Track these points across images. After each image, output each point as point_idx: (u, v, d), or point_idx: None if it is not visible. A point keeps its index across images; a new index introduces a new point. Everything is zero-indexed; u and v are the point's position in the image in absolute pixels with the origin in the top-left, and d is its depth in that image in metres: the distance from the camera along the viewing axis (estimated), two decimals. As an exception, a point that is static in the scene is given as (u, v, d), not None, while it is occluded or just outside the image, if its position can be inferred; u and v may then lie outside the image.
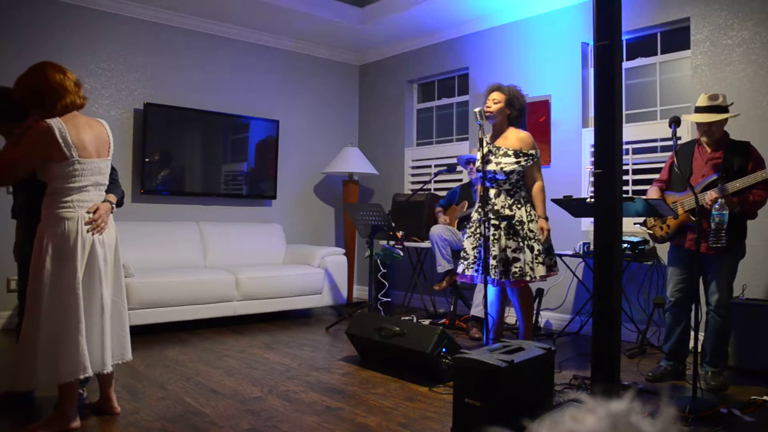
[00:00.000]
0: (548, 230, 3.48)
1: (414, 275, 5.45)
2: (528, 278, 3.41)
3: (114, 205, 2.64)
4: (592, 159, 3.83)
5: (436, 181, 5.81)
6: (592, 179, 4.53)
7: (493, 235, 3.41)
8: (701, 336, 3.34)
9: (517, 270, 3.39)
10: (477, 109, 3.30)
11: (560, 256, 4.20)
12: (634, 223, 3.86)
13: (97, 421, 2.58)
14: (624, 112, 4.43)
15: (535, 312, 4.43)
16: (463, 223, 4.77)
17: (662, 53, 4.44)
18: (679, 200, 3.21)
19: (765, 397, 2.95)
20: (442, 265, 4.59)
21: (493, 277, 3.39)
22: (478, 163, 3.53)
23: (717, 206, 2.85)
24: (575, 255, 4.31)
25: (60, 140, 2.38)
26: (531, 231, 3.44)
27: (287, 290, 5.01)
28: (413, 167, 6.26)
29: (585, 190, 4.65)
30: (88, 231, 2.46)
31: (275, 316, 5.13)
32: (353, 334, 3.68)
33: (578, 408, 0.59)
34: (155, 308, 4.30)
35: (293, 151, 6.21)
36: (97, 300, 2.48)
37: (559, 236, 4.32)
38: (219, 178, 5.66)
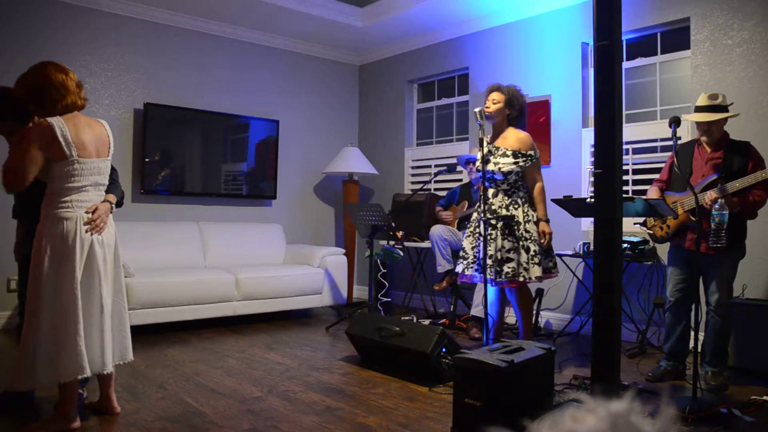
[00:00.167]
0: (550, 233, 3.47)
1: (414, 275, 5.45)
2: (521, 279, 3.39)
3: (113, 206, 2.64)
4: (592, 159, 3.83)
5: (436, 181, 5.81)
6: (592, 179, 4.53)
7: (490, 234, 3.41)
8: (701, 336, 3.34)
9: (509, 270, 3.39)
10: (477, 109, 3.30)
11: (560, 256, 4.20)
12: (634, 223, 3.85)
13: (97, 421, 2.58)
14: (624, 112, 4.43)
15: (535, 312, 4.44)
16: (463, 223, 4.77)
17: (662, 53, 4.44)
18: (679, 200, 3.21)
19: (765, 397, 2.95)
20: (442, 265, 4.59)
21: (489, 276, 3.39)
22: (478, 163, 3.53)
23: (717, 206, 2.85)
24: (575, 255, 4.31)
25: (60, 139, 2.38)
26: (527, 231, 3.44)
27: (287, 290, 5.01)
28: (413, 167, 6.26)
29: (585, 190, 4.65)
30: (87, 231, 2.46)
31: (275, 316, 5.13)
32: (353, 334, 3.68)
33: (578, 408, 0.59)
34: (155, 308, 4.30)
35: (293, 151, 6.21)
36: (97, 300, 2.48)
37: (559, 236, 4.32)
38: (219, 178, 5.66)
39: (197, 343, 4.12)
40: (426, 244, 5.10)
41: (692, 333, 3.15)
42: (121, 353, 2.64)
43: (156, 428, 2.50)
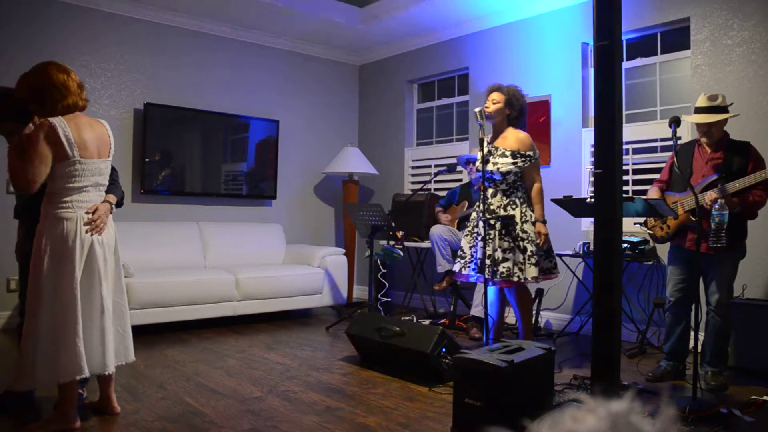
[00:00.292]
0: (546, 234, 3.45)
1: (414, 275, 5.45)
2: (515, 279, 3.38)
3: (113, 206, 2.64)
4: (592, 159, 3.83)
5: (436, 181, 5.80)
6: (592, 179, 4.53)
7: (488, 234, 3.41)
8: (701, 336, 3.34)
9: (504, 270, 3.38)
10: (477, 109, 3.30)
11: (560, 256, 4.20)
12: (634, 223, 3.86)
13: (97, 421, 2.58)
14: (624, 112, 4.43)
15: (535, 312, 4.43)
16: (463, 223, 4.77)
17: (662, 53, 4.44)
18: (680, 200, 3.21)
19: (765, 397, 2.95)
20: (442, 265, 4.58)
21: (487, 276, 3.39)
22: (478, 163, 3.53)
23: (717, 206, 2.85)
24: (575, 255, 4.31)
25: (63, 139, 2.38)
26: (524, 232, 3.43)
27: (287, 290, 5.01)
28: (413, 167, 6.26)
29: (585, 190, 4.65)
30: (87, 231, 2.46)
31: (275, 316, 5.13)
32: (353, 334, 3.68)
33: (578, 408, 0.59)
34: (155, 308, 4.30)
35: (293, 151, 6.21)
36: (97, 301, 2.48)
37: (559, 236, 4.32)
38: (219, 178, 5.66)
39: (197, 343, 4.12)
40: (426, 244, 5.10)
41: (692, 333, 3.15)
42: (123, 354, 2.64)
43: (156, 428, 2.50)
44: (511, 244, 3.41)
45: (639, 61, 4.56)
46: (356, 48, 6.47)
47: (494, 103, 3.54)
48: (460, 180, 5.62)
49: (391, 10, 5.43)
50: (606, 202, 2.07)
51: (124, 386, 3.06)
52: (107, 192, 2.62)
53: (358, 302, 5.93)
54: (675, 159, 2.99)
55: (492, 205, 3.49)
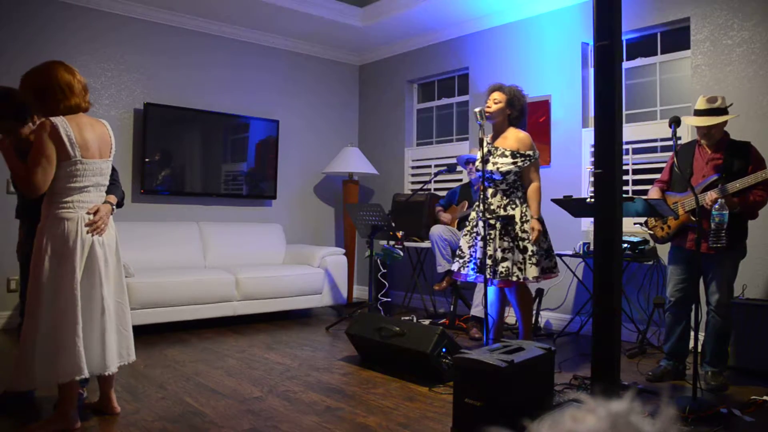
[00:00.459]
0: (539, 230, 3.41)
1: (414, 275, 5.45)
2: (515, 278, 3.38)
3: (114, 207, 2.64)
4: (592, 159, 3.83)
5: (436, 181, 5.80)
6: (592, 179, 4.53)
7: (489, 234, 3.41)
8: (701, 336, 3.34)
9: (503, 270, 3.38)
10: (477, 109, 3.30)
11: (560, 256, 4.20)
12: (635, 223, 3.86)
13: (97, 421, 2.58)
14: (624, 112, 4.43)
15: (535, 312, 4.43)
16: (463, 223, 4.77)
17: (662, 53, 4.44)
18: (680, 200, 3.21)
19: (765, 397, 2.95)
20: (442, 265, 4.59)
21: (487, 276, 3.39)
22: (477, 163, 3.53)
23: (717, 206, 2.85)
24: (575, 255, 4.31)
25: (65, 138, 2.38)
26: (524, 231, 3.43)
27: (287, 290, 5.01)
28: (413, 167, 6.26)
29: (585, 190, 4.65)
30: (88, 232, 2.46)
31: (275, 316, 5.13)
32: (353, 334, 3.68)
33: (578, 408, 0.59)
34: (155, 308, 4.30)
35: (293, 151, 6.21)
36: (98, 301, 2.47)
37: (559, 236, 4.32)
38: (219, 178, 5.66)
39: (197, 343, 4.12)
40: (426, 244, 5.10)
41: (692, 333, 3.15)
42: (125, 354, 2.64)
43: (156, 428, 2.50)
44: (511, 244, 3.41)
45: (639, 61, 4.56)
46: (356, 48, 6.47)
47: (496, 103, 3.53)
48: (460, 180, 5.62)
49: (391, 10, 5.43)
50: (606, 202, 2.07)
51: (124, 386, 3.06)
52: (108, 192, 2.62)
53: (358, 302, 5.92)
54: (675, 159, 2.99)
55: (492, 205, 3.48)
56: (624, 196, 2.39)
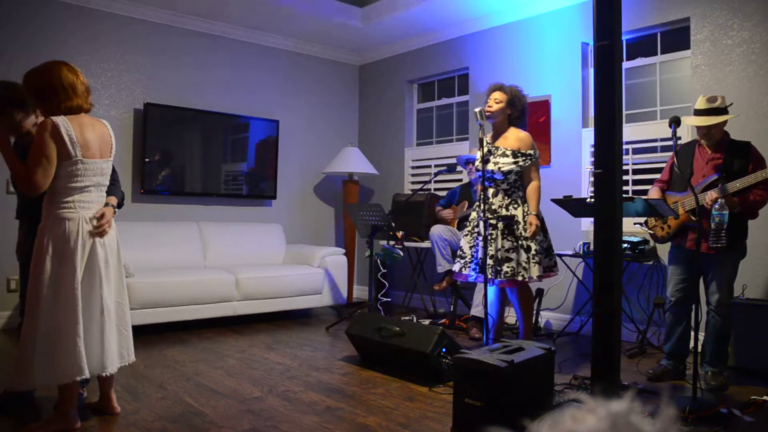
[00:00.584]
0: (537, 226, 3.41)
1: (414, 275, 5.45)
2: (520, 278, 3.39)
3: (116, 208, 2.65)
4: (592, 159, 3.83)
5: (436, 181, 5.80)
6: (592, 179, 4.53)
7: (491, 234, 3.41)
8: (701, 336, 3.34)
9: (508, 270, 3.38)
10: (477, 109, 3.30)
11: (560, 256, 4.20)
12: (635, 223, 3.85)
13: (97, 421, 2.58)
14: (624, 112, 4.43)
15: (535, 312, 4.43)
16: (463, 223, 4.77)
17: (662, 53, 4.44)
18: (680, 200, 3.21)
19: (765, 397, 2.95)
20: (442, 265, 4.58)
21: (489, 276, 3.39)
22: (477, 163, 3.53)
23: (717, 206, 2.85)
24: (575, 255, 4.31)
25: (66, 138, 2.38)
26: (526, 231, 3.44)
27: (287, 290, 5.01)
28: (413, 167, 6.26)
29: (585, 190, 4.65)
30: (92, 236, 2.46)
31: (275, 316, 5.13)
32: (353, 334, 3.68)
33: (578, 408, 0.59)
34: (155, 308, 4.30)
35: (293, 151, 6.21)
36: (98, 302, 2.47)
37: (559, 236, 4.32)
38: (219, 178, 5.66)
39: (197, 343, 4.12)
40: (426, 244, 5.10)
41: (692, 333, 3.15)
42: (124, 354, 2.64)
43: (156, 428, 2.50)
44: (515, 244, 3.42)
45: (639, 61, 4.56)
46: (356, 48, 6.47)
47: (497, 103, 3.54)
48: (460, 180, 5.62)
49: (391, 10, 5.43)
50: (606, 202, 2.06)
51: (124, 386, 3.06)
52: (108, 193, 2.63)
53: (358, 302, 5.92)
54: (675, 159, 2.99)
55: (494, 204, 3.49)
56: (624, 196, 2.39)
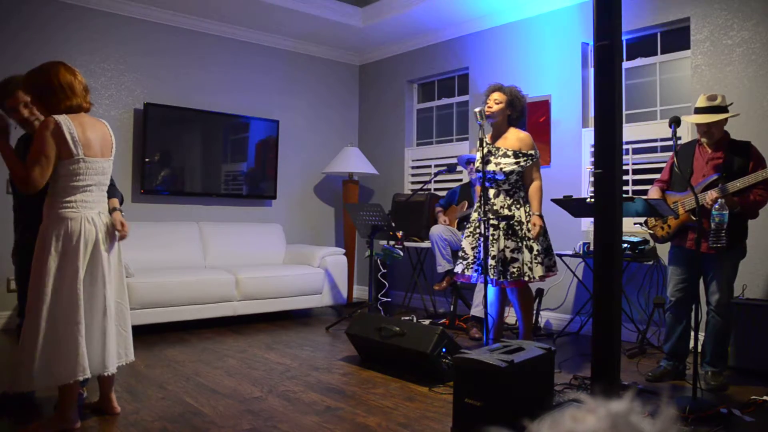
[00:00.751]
0: (540, 226, 3.45)
1: (414, 275, 5.45)
2: (526, 278, 3.41)
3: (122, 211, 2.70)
4: (592, 159, 3.83)
5: (436, 181, 5.80)
6: (592, 179, 4.53)
7: (492, 235, 3.41)
8: (701, 336, 3.34)
9: (515, 270, 3.40)
10: (477, 109, 3.30)
11: (560, 256, 4.20)
12: (635, 223, 3.86)
13: (97, 421, 2.58)
14: (624, 112, 4.43)
15: (535, 312, 4.43)
16: (463, 223, 4.77)
17: (662, 53, 4.44)
18: (680, 200, 3.21)
19: (765, 397, 2.95)
20: (442, 265, 4.58)
21: (492, 277, 3.39)
22: (477, 163, 3.53)
23: (717, 206, 2.85)
24: (575, 255, 4.31)
25: (68, 136, 2.38)
26: (530, 231, 3.45)
27: (287, 290, 5.01)
28: (413, 167, 6.26)
29: (585, 190, 4.65)
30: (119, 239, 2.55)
31: (275, 316, 5.13)
32: (353, 334, 3.67)
33: (578, 408, 0.59)
34: (155, 308, 4.30)
35: (293, 151, 6.21)
36: (99, 301, 2.47)
37: (559, 236, 4.32)
38: (219, 178, 5.66)
39: (197, 343, 4.12)
40: (426, 244, 5.10)
41: (692, 333, 3.15)
42: (124, 354, 2.64)
43: (156, 428, 2.50)
44: (519, 244, 3.42)
45: (639, 61, 4.56)
46: (356, 48, 6.47)
47: (496, 103, 3.54)
48: (460, 180, 5.62)
49: (391, 10, 5.43)
50: (606, 202, 2.06)
51: (124, 386, 3.06)
52: (108, 195, 2.63)
53: (358, 302, 5.93)
54: (675, 159, 2.99)
55: (495, 205, 3.49)
56: (624, 196, 2.39)
